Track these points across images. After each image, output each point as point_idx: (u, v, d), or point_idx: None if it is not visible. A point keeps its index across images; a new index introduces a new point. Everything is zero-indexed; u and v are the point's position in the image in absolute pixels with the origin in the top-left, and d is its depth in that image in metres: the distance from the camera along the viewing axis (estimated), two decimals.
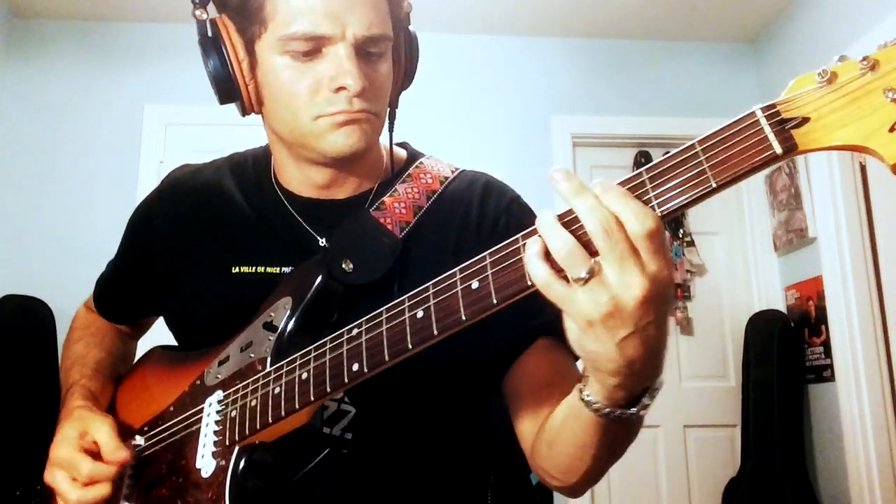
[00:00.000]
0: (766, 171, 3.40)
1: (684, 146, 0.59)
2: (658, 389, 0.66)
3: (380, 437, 0.91)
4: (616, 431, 0.69)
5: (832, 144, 0.54)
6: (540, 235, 0.61)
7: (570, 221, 0.60)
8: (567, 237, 0.59)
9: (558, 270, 0.60)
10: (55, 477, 0.89)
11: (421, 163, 1.03)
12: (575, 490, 0.82)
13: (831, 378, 3.04)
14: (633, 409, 0.65)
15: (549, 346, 0.89)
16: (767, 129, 0.56)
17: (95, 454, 0.90)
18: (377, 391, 0.84)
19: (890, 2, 2.73)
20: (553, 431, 0.78)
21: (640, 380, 0.63)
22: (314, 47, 0.86)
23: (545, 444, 0.81)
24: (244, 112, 0.95)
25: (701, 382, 3.48)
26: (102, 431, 0.91)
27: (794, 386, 3.17)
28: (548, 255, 0.60)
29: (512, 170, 3.26)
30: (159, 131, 3.42)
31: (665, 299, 0.59)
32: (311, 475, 0.87)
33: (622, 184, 0.61)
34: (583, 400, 0.67)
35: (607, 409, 0.65)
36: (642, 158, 3.60)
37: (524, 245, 0.62)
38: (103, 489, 0.88)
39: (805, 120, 0.55)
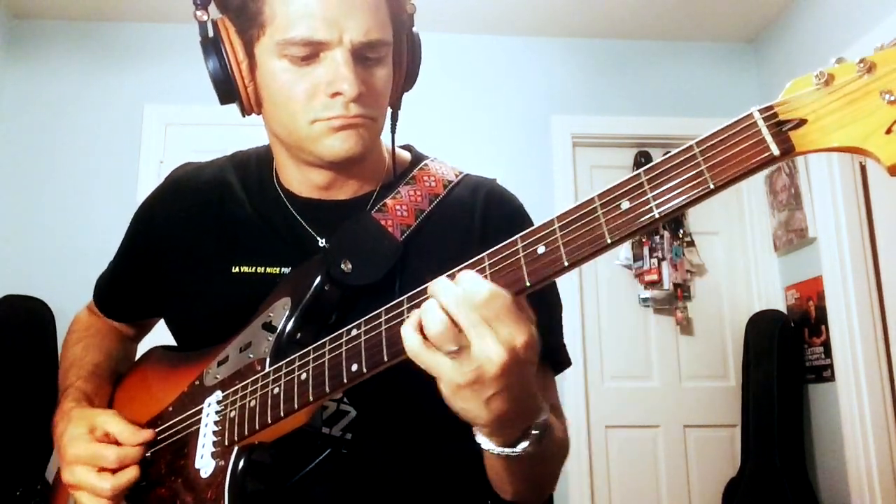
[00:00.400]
0: (766, 171, 3.39)
1: (682, 147, 0.60)
2: (537, 432, 0.71)
3: (379, 438, 0.91)
4: (516, 466, 0.76)
5: (829, 146, 0.55)
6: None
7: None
8: (441, 317, 0.64)
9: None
10: (78, 474, 0.89)
11: (425, 165, 1.03)
12: None
13: (831, 378, 3.04)
14: (516, 449, 0.71)
15: None
16: (765, 131, 0.56)
17: (112, 444, 0.90)
18: (377, 391, 0.84)
19: (889, 2, 2.73)
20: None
21: (512, 427, 0.70)
22: (312, 52, 0.86)
23: None
24: (244, 113, 0.96)
25: (701, 382, 3.48)
26: (112, 421, 0.91)
27: (794, 386, 3.17)
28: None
29: (512, 170, 3.28)
30: (159, 131, 3.42)
31: (524, 361, 0.64)
32: (310, 475, 0.87)
33: (619, 186, 0.62)
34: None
35: (494, 450, 0.72)
36: (642, 158, 3.60)
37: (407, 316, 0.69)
38: (133, 472, 0.88)
39: (802, 122, 0.56)
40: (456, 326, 0.63)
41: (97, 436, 0.91)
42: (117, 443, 0.91)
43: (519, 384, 0.65)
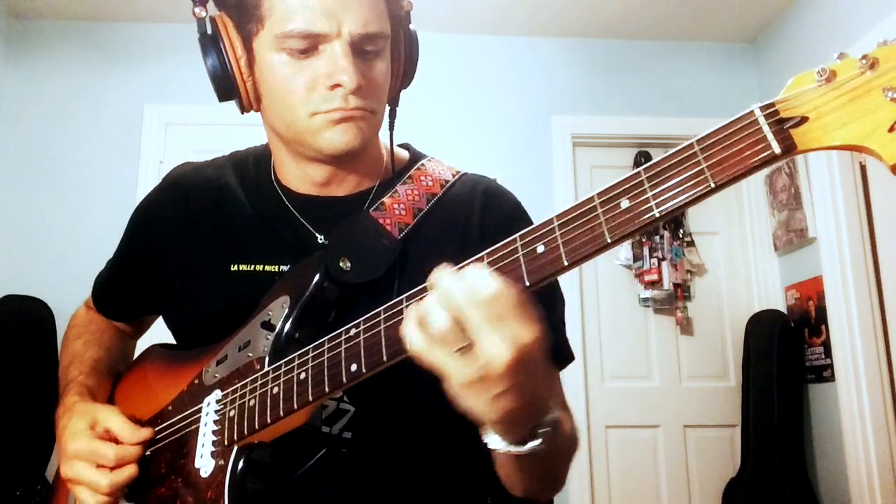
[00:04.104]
0: (766, 171, 3.40)
1: (683, 146, 0.59)
2: (546, 429, 0.70)
3: (379, 436, 0.91)
4: (526, 464, 0.74)
5: (831, 144, 0.54)
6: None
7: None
8: (445, 315, 0.62)
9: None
10: (77, 469, 0.89)
11: (422, 164, 1.03)
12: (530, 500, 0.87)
13: (831, 378, 3.04)
14: (524, 448, 0.70)
15: None
16: (766, 129, 0.56)
17: (112, 441, 0.90)
18: (376, 390, 0.84)
19: (890, 2, 2.72)
20: None
21: (521, 426, 0.69)
22: (310, 45, 0.86)
23: None
24: (243, 109, 0.96)
25: (701, 382, 3.48)
26: (113, 418, 0.92)
27: (794, 386, 3.17)
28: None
29: (512, 170, 3.28)
30: (159, 131, 3.42)
31: (531, 359, 0.62)
32: (310, 474, 0.87)
33: (618, 185, 0.61)
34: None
35: (503, 449, 0.70)
36: (642, 158, 3.60)
37: (406, 313, 0.67)
38: (130, 470, 0.89)
39: (804, 119, 0.55)
40: (460, 323, 0.62)
41: (98, 432, 0.91)
42: (117, 440, 0.91)
43: (527, 382, 0.64)
